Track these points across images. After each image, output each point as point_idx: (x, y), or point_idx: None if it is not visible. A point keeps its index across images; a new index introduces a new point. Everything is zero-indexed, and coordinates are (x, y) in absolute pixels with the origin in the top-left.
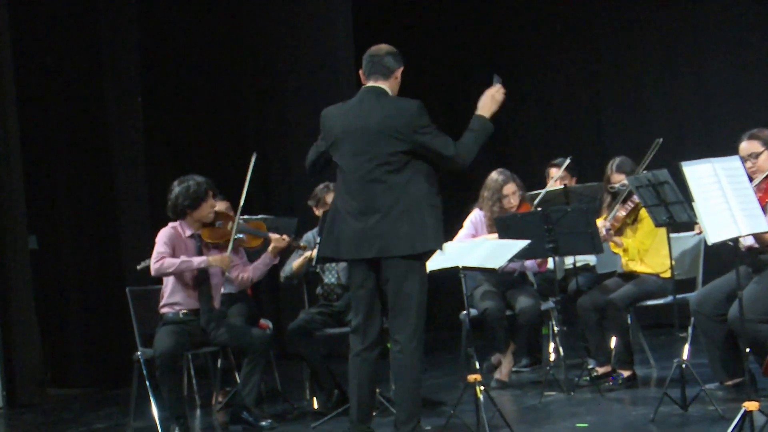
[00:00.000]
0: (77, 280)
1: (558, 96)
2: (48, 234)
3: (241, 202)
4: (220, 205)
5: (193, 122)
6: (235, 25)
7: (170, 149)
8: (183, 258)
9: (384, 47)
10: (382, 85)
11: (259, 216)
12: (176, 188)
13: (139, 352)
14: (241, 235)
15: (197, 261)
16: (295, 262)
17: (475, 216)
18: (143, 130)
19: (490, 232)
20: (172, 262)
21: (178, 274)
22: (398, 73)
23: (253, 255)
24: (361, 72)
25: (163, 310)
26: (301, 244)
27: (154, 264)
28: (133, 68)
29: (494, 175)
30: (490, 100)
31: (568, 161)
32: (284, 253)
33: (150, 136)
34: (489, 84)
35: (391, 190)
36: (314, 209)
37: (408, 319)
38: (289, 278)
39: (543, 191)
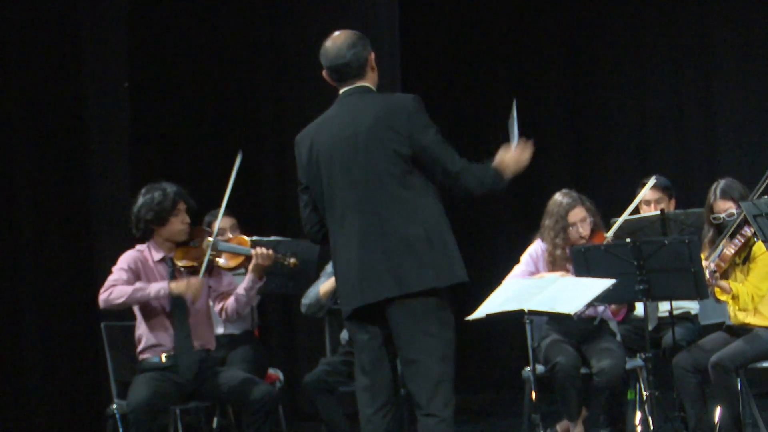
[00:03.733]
0: (39, 312)
1: (661, 103)
2: (3, 252)
3: (221, 213)
4: (225, 222)
5: (191, 117)
6: (248, 7)
7: (160, 149)
8: (137, 285)
9: (341, 41)
10: (361, 83)
11: (272, 238)
12: (140, 198)
13: (114, 405)
14: (218, 255)
15: (155, 288)
16: (323, 287)
17: (536, 249)
18: (128, 125)
19: (551, 270)
20: (122, 291)
21: (143, 308)
22: (371, 60)
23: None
24: (325, 76)
25: (143, 356)
26: (291, 260)
27: (101, 295)
28: (119, 45)
29: (558, 198)
30: (514, 164)
31: (653, 180)
32: (286, 274)
33: (136, 131)
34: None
35: (397, 209)
36: None
37: (426, 374)
38: (313, 307)
39: (625, 214)
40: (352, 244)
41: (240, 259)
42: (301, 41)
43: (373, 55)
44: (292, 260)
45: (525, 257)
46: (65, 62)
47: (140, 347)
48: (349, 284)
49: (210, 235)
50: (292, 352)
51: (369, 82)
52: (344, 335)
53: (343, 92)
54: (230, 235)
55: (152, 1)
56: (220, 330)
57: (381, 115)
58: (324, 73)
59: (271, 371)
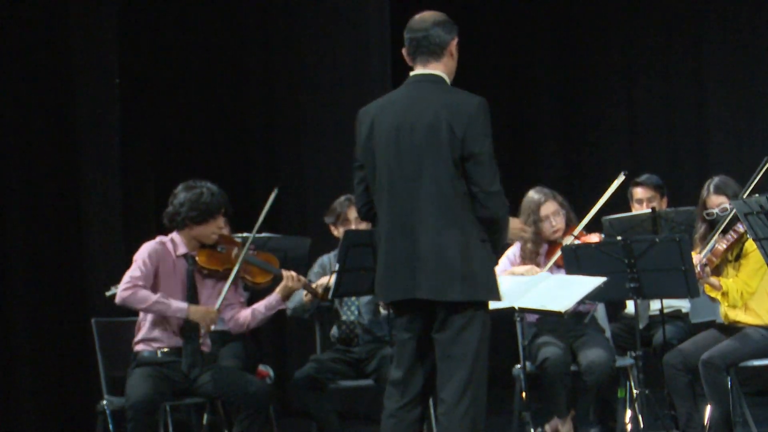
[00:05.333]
0: (29, 308)
1: (652, 100)
2: None
3: (252, 235)
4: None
5: (185, 113)
6: (238, 3)
7: (152, 146)
8: (160, 297)
9: (429, 16)
10: (434, 69)
11: (264, 234)
12: (182, 194)
13: (104, 401)
14: (246, 268)
15: (175, 307)
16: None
17: (515, 252)
18: (119, 121)
19: (522, 263)
20: (145, 297)
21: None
22: (452, 47)
23: (256, 294)
24: (404, 52)
25: (138, 348)
26: (320, 291)
27: (122, 290)
28: (110, 41)
29: (530, 194)
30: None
31: (622, 177)
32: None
33: (128, 128)
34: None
35: (443, 211)
36: (332, 228)
37: (458, 373)
38: (298, 311)
39: (623, 216)
40: (399, 237)
41: (269, 277)
42: (292, 40)
43: (455, 42)
44: (320, 291)
45: (503, 260)
46: (55, 59)
47: (138, 337)
48: (391, 275)
49: (239, 245)
50: (282, 349)
51: (443, 69)
52: (334, 332)
53: (413, 76)
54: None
55: (146, 3)
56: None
57: (442, 113)
58: (403, 50)
59: (262, 368)
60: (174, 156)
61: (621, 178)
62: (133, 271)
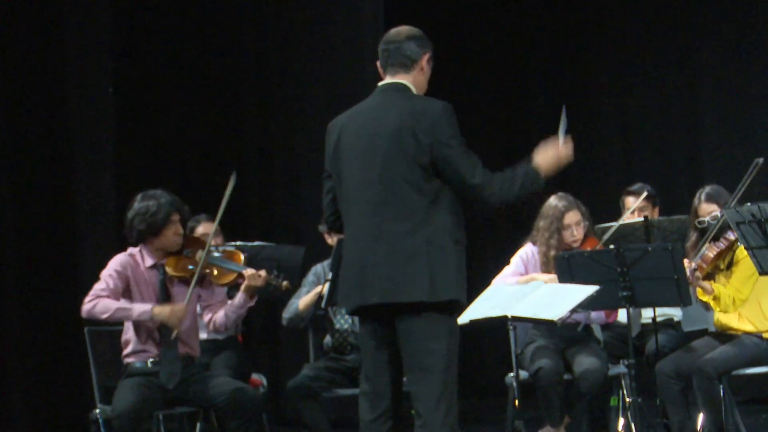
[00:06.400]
0: (22, 317)
1: (646, 110)
2: None
3: (213, 229)
4: (205, 228)
5: (178, 120)
6: (233, 9)
7: (146, 153)
8: (121, 304)
9: (404, 30)
10: (403, 79)
11: (257, 243)
12: (135, 206)
13: (97, 410)
14: (209, 270)
15: (138, 311)
16: (302, 300)
17: (527, 252)
18: (113, 128)
19: (544, 271)
20: (106, 306)
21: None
22: (423, 62)
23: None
24: (378, 64)
25: (128, 360)
26: (283, 283)
27: (86, 304)
28: (105, 45)
29: (553, 201)
30: (554, 160)
31: (646, 192)
32: (269, 293)
33: (121, 135)
34: (553, 105)
35: (407, 214)
36: (327, 237)
37: (431, 385)
38: (294, 321)
39: (616, 224)
40: (359, 243)
41: (232, 276)
42: (287, 46)
43: (427, 57)
44: (285, 283)
45: (515, 259)
46: (49, 66)
47: (126, 351)
48: (350, 283)
49: (204, 246)
50: (275, 358)
51: (412, 81)
52: (328, 341)
53: (381, 85)
54: (223, 247)
55: (137, 5)
56: (203, 335)
57: (406, 119)
58: (377, 62)
59: (255, 376)
60: (168, 163)
61: (644, 194)
62: (99, 285)
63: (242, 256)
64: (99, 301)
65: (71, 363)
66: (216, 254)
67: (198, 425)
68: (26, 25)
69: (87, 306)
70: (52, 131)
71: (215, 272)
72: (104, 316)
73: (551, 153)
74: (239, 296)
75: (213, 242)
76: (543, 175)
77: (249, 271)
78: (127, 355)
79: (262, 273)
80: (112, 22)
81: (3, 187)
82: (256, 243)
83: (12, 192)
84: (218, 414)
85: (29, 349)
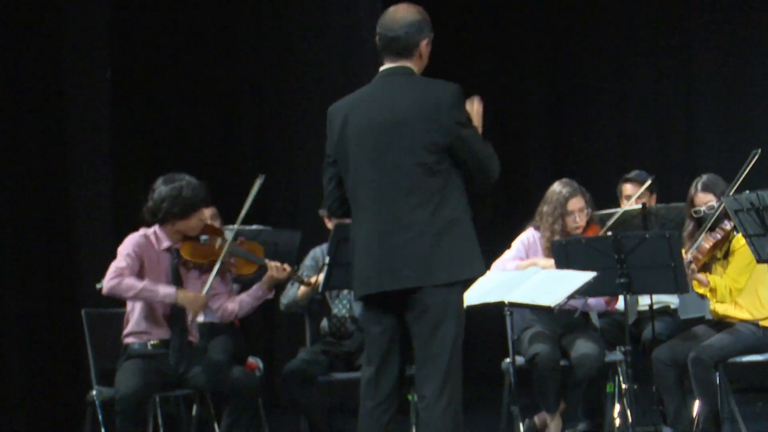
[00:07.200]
0: (19, 301)
1: (642, 98)
2: None
3: (237, 225)
4: (206, 212)
5: (175, 106)
6: None
7: (142, 140)
8: (147, 284)
9: (400, 13)
10: (404, 64)
11: (254, 227)
12: (162, 188)
13: (94, 392)
14: (230, 259)
15: (163, 293)
16: (301, 290)
17: (528, 237)
18: (109, 113)
19: (548, 257)
20: (132, 285)
21: (139, 301)
22: (422, 47)
23: (242, 283)
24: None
25: (128, 340)
26: (305, 278)
27: (109, 280)
28: (101, 30)
29: (557, 187)
30: (477, 117)
31: (649, 181)
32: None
33: (117, 120)
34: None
35: (424, 200)
36: (326, 220)
37: (437, 368)
38: (292, 306)
39: (619, 210)
40: (375, 230)
41: (253, 267)
42: (283, 32)
43: (426, 42)
44: (306, 278)
45: (516, 243)
46: (45, 51)
47: (127, 330)
48: (367, 270)
49: (223, 235)
50: (271, 341)
51: (413, 65)
52: (324, 325)
53: (383, 70)
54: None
55: None
56: (200, 318)
57: (419, 103)
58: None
59: (251, 360)
60: (164, 149)
61: (648, 181)
62: (119, 262)
63: (262, 249)
64: (123, 279)
65: (68, 345)
66: (237, 244)
67: (194, 408)
68: (23, 10)
69: (111, 283)
70: (49, 115)
71: (237, 263)
72: (130, 294)
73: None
74: (259, 288)
75: (216, 223)
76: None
77: (273, 264)
78: (127, 335)
79: (286, 266)
80: (110, 6)
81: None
82: (254, 227)
83: (7, 176)
84: (214, 397)
85: (26, 332)
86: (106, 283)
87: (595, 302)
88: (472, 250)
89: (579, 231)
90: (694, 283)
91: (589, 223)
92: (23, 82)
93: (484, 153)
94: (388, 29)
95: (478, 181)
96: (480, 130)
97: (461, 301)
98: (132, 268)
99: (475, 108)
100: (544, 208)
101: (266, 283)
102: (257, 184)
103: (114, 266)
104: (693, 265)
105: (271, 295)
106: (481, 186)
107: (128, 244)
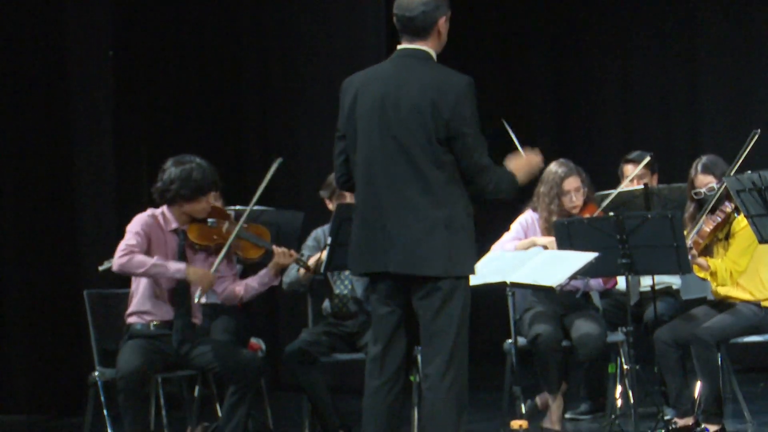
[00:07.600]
0: (21, 282)
1: (646, 79)
2: None
3: (249, 208)
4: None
5: (178, 86)
6: None
7: (145, 119)
8: (157, 260)
9: None
10: (422, 45)
11: (256, 207)
12: (172, 170)
13: (96, 373)
14: (238, 243)
15: (173, 268)
16: (302, 270)
17: (527, 218)
18: (112, 93)
19: (546, 236)
20: (142, 261)
21: (149, 277)
22: (440, 24)
23: (247, 267)
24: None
25: (131, 320)
26: (310, 264)
27: (119, 257)
28: (105, 10)
29: (553, 167)
30: (526, 168)
31: (648, 158)
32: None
33: (120, 101)
34: (553, 64)
35: (428, 188)
36: (327, 201)
37: (443, 344)
38: (294, 285)
39: (615, 191)
40: (376, 210)
41: (260, 252)
42: (287, 12)
43: (444, 19)
44: (311, 265)
45: (515, 225)
46: (48, 31)
47: (129, 310)
48: (367, 247)
49: (230, 219)
50: (274, 322)
51: (431, 46)
52: (326, 305)
53: (400, 50)
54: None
55: None
56: (203, 300)
57: (429, 90)
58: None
59: (253, 340)
60: (167, 129)
61: (647, 158)
62: (128, 240)
63: (269, 233)
64: (133, 256)
65: (70, 326)
66: (245, 228)
67: (197, 389)
68: None
69: (121, 260)
70: (52, 95)
71: (244, 246)
72: (140, 270)
73: (523, 162)
74: (266, 274)
75: (219, 204)
76: (519, 182)
77: (279, 250)
78: (129, 315)
79: (292, 252)
80: None
81: (2, 152)
82: (256, 207)
83: (11, 156)
84: (217, 378)
85: (29, 313)
86: (116, 261)
87: (594, 282)
88: (468, 249)
89: (576, 211)
90: (695, 267)
91: (586, 203)
92: (26, 62)
93: (479, 161)
94: (406, 9)
95: (471, 190)
96: (521, 179)
97: (465, 286)
98: (141, 246)
99: (531, 162)
100: (541, 188)
101: (272, 268)
102: (274, 166)
103: (123, 244)
104: (693, 251)
105: (277, 281)
106: (474, 196)
107: (137, 223)
